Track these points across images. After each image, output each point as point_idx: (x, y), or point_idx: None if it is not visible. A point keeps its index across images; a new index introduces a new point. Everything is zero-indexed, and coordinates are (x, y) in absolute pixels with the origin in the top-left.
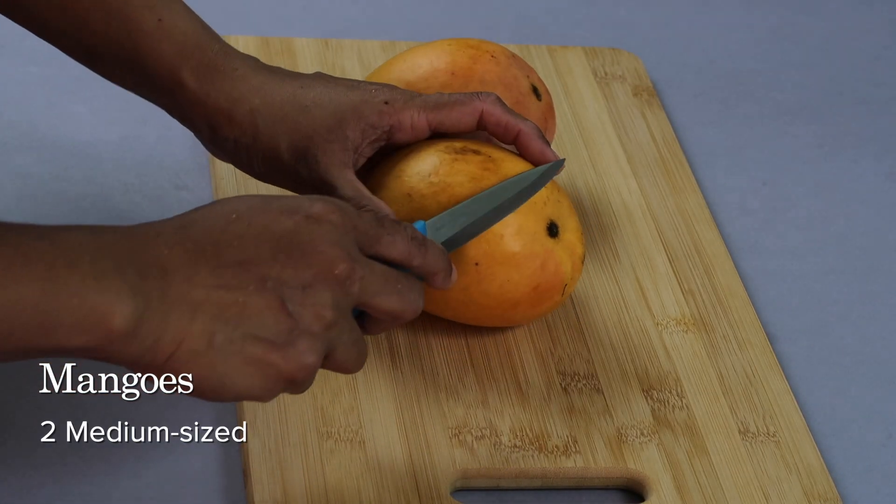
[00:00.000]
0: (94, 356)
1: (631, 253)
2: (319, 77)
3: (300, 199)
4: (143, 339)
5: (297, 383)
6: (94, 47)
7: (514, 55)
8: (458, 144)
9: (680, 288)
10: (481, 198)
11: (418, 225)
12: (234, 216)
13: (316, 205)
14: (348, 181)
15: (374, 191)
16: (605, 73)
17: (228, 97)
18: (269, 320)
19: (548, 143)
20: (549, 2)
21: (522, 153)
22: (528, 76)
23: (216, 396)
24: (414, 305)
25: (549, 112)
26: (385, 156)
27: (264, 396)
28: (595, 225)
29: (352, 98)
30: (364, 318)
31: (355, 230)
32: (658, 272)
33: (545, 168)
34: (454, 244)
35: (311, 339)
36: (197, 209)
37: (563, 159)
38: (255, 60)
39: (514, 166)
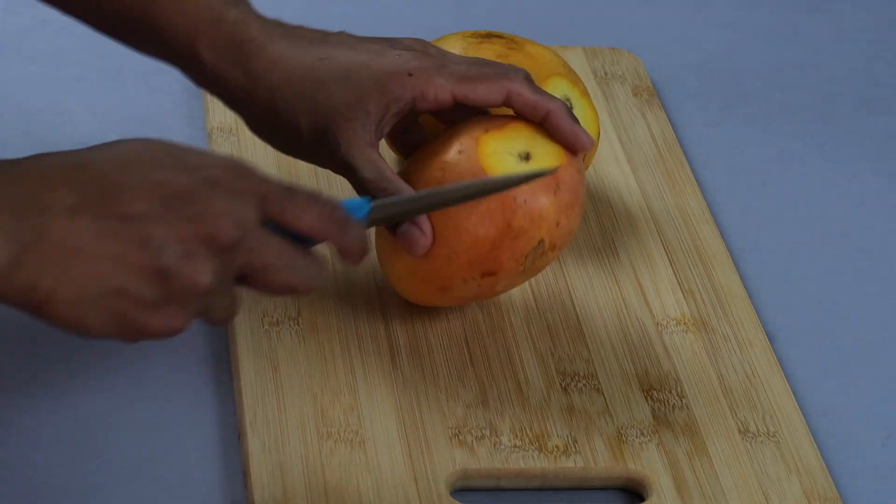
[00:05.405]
0: None
1: (631, 253)
2: (341, 43)
3: (205, 158)
4: (17, 284)
5: (158, 339)
6: (112, 19)
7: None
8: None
9: (680, 288)
10: (443, 189)
11: (362, 201)
12: (131, 165)
13: (217, 168)
14: (369, 161)
15: (410, 172)
16: (605, 73)
17: (247, 72)
18: (143, 282)
19: (577, 121)
20: (549, 2)
21: (553, 134)
22: None
23: (79, 336)
24: (308, 282)
25: None
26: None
27: (125, 342)
28: (595, 225)
29: (374, 70)
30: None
31: (261, 199)
32: (658, 272)
33: (527, 176)
34: (393, 219)
35: (182, 306)
36: (96, 147)
37: (556, 169)
38: (276, 25)
39: None
